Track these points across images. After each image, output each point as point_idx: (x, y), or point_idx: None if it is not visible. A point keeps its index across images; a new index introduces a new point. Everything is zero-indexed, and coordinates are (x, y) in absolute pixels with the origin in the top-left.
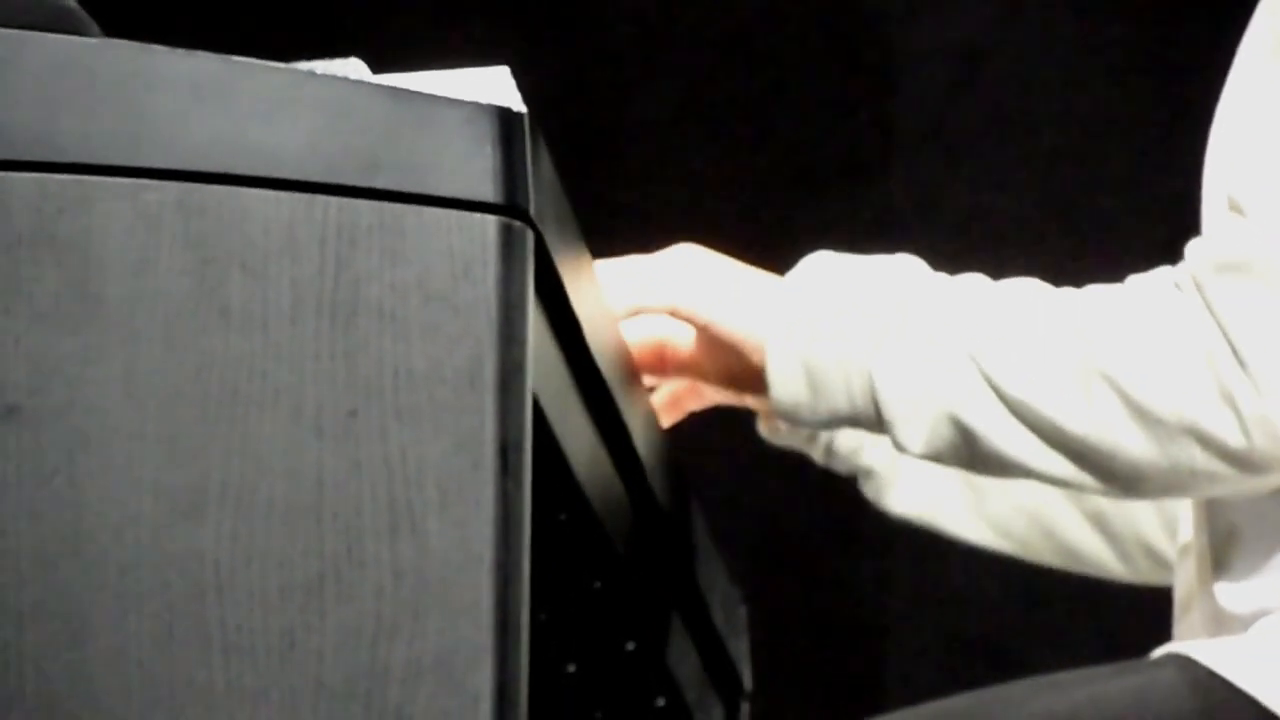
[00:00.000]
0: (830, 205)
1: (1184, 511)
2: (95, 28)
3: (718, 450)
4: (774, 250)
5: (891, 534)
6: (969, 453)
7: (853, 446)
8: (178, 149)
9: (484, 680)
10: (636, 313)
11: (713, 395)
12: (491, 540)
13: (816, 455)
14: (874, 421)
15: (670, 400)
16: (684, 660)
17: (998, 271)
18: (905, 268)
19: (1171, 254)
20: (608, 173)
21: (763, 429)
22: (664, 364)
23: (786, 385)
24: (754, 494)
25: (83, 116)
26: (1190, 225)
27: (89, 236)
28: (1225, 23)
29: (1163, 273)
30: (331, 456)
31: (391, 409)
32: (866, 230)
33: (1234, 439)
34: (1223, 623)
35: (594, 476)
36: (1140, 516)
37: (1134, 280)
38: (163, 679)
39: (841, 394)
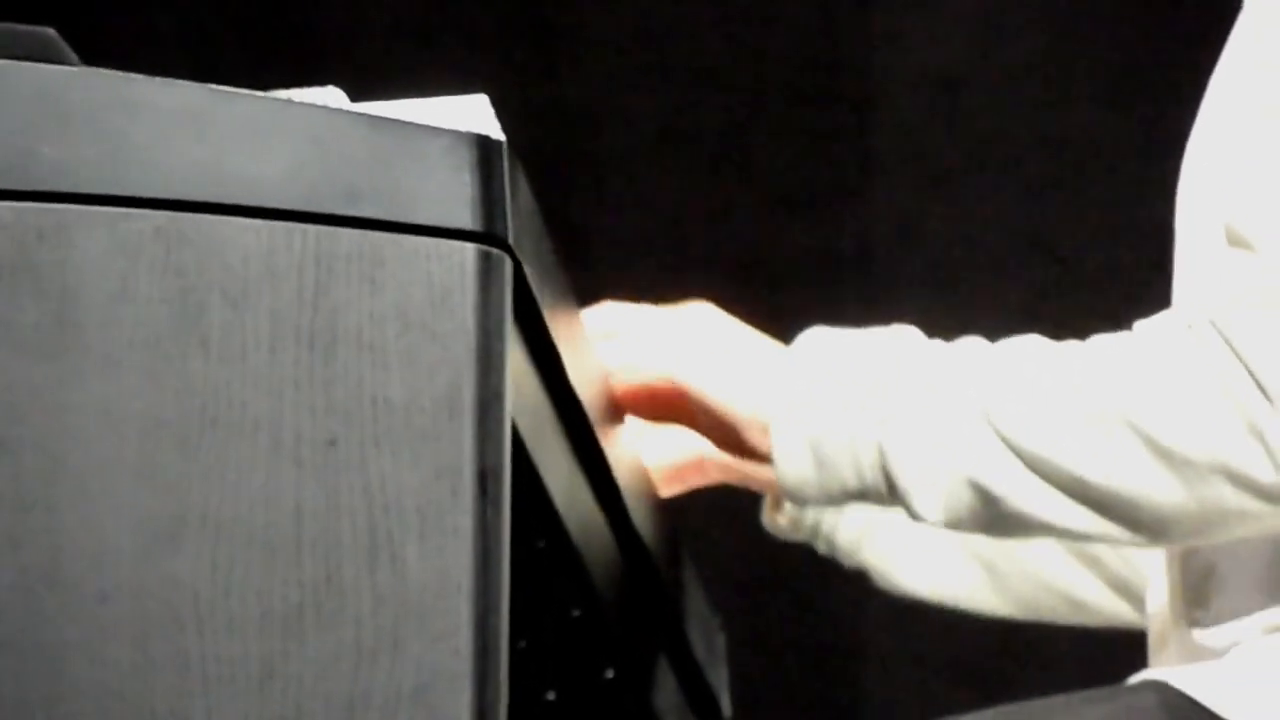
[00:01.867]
0: (809, 233)
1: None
2: (74, 56)
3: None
4: (753, 280)
5: None
6: (989, 515)
7: (853, 540)
8: (157, 178)
9: (463, 707)
10: (632, 374)
11: (716, 473)
12: (470, 568)
13: (819, 548)
14: (884, 494)
15: (672, 473)
16: (663, 688)
17: (978, 299)
18: (903, 338)
19: (1151, 281)
20: (586, 201)
21: (766, 521)
22: (656, 405)
23: (792, 463)
24: (731, 521)
25: (62, 145)
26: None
27: (68, 265)
28: (1204, 49)
29: (1169, 316)
30: (310, 485)
31: (370, 437)
32: (845, 259)
33: (1265, 474)
34: (1200, 657)
35: (572, 504)
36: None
37: (1141, 326)
38: (142, 709)
39: (849, 469)
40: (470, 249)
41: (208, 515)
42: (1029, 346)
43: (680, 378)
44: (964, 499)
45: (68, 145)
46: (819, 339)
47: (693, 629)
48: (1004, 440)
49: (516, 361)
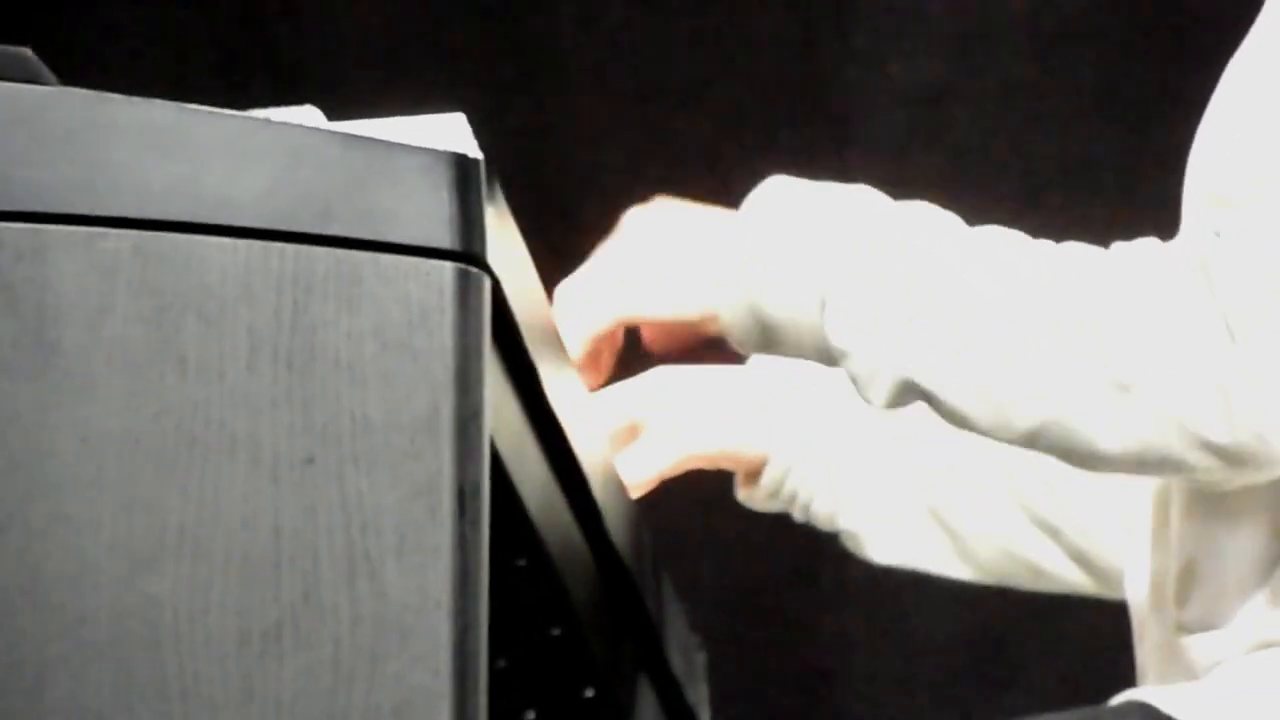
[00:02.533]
0: None
1: (1134, 536)
2: (51, 76)
3: (675, 495)
4: None
5: (849, 580)
6: (930, 408)
7: (829, 512)
8: (133, 197)
9: None
10: (581, 333)
11: (691, 461)
12: (449, 586)
13: (795, 515)
14: (834, 366)
15: (649, 483)
16: (643, 707)
17: None
18: (855, 202)
19: None
20: (565, 219)
21: (741, 495)
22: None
23: (744, 337)
24: (712, 540)
25: (38, 164)
26: None
27: (45, 285)
28: (1189, 66)
29: (1154, 242)
30: (289, 503)
31: (349, 456)
32: None
33: (1219, 434)
34: (1181, 664)
35: (551, 522)
36: (1121, 551)
37: (1120, 247)
38: None
39: (799, 346)
40: (448, 268)
41: (186, 534)
42: (999, 240)
43: (625, 315)
44: (905, 396)
45: (44, 165)
46: (766, 195)
47: (672, 647)
48: (950, 349)
49: (495, 380)
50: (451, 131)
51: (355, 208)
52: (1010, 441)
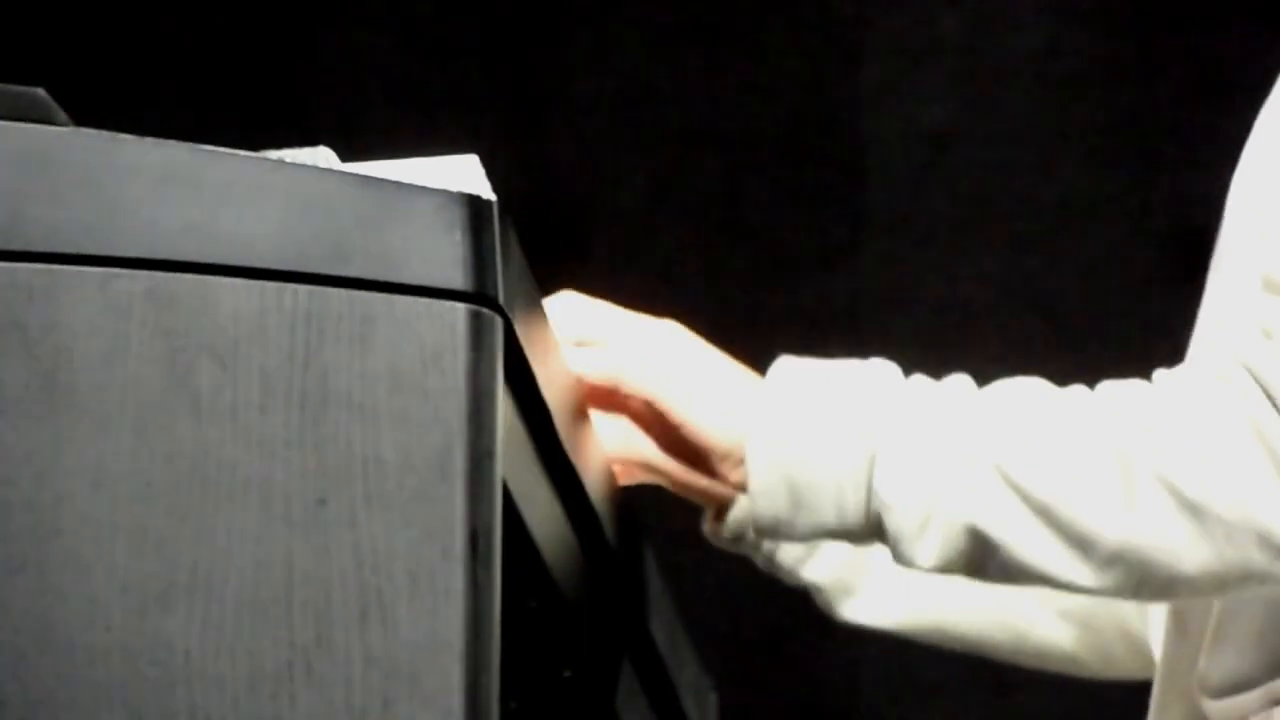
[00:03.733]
0: (800, 293)
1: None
2: (65, 117)
3: (687, 536)
4: (744, 339)
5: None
6: (984, 563)
7: (796, 559)
8: (147, 238)
9: None
10: (608, 386)
11: (651, 477)
12: (461, 628)
13: (758, 562)
14: (865, 535)
15: (619, 468)
16: None
17: (970, 357)
18: (884, 373)
19: (1144, 339)
20: (577, 261)
21: (707, 530)
22: (615, 403)
23: (768, 500)
24: (724, 582)
25: (51, 205)
26: (1164, 311)
27: (58, 326)
28: (1196, 108)
29: (1195, 367)
30: (301, 545)
31: (361, 497)
32: (837, 318)
33: None
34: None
35: (564, 564)
36: (1123, 608)
37: (1162, 375)
38: None
39: (830, 509)
40: (461, 309)
41: (198, 575)
42: (1030, 388)
43: (662, 400)
44: (959, 545)
45: (57, 205)
46: (794, 369)
47: (685, 690)
48: (1012, 486)
49: (507, 421)
50: (465, 173)
51: (368, 249)
52: (1081, 581)
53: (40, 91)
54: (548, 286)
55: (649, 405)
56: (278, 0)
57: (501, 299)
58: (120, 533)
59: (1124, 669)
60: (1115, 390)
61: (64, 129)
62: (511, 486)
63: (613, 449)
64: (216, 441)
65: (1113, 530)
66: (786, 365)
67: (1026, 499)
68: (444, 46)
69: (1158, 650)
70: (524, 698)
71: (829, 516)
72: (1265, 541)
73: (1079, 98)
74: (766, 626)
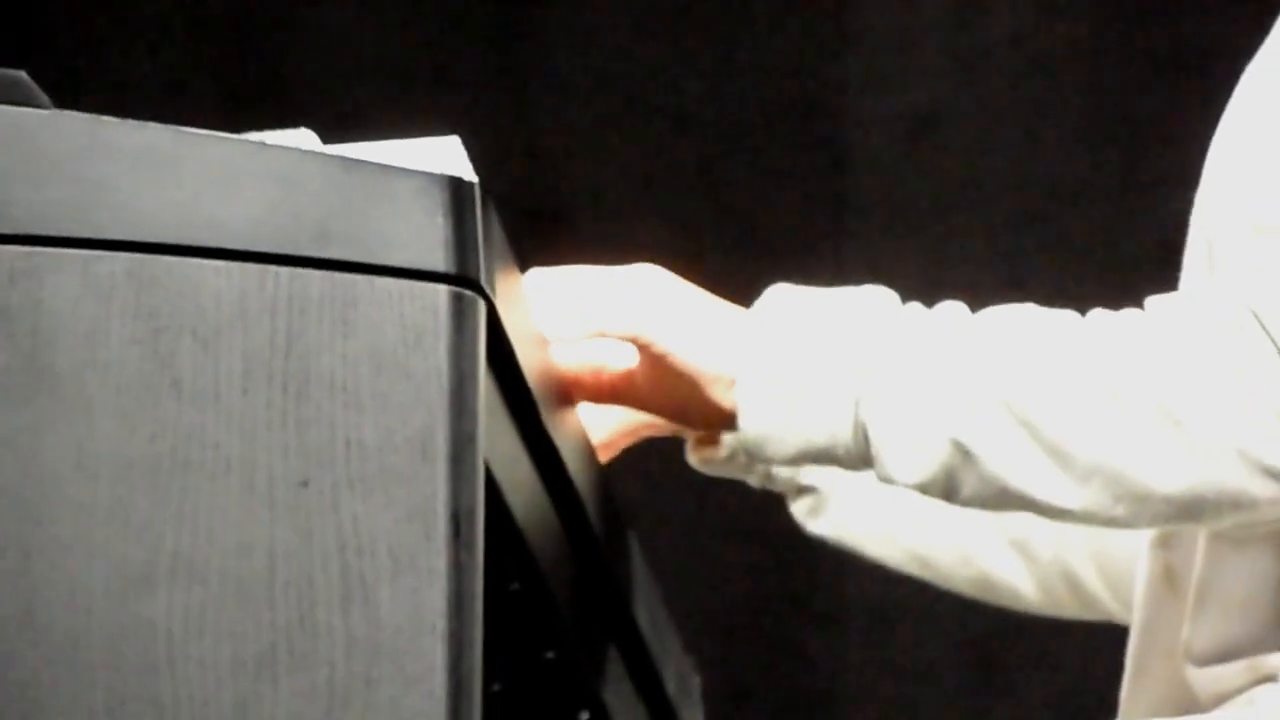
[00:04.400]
0: (783, 276)
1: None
2: (46, 99)
3: (671, 520)
4: None
5: (843, 604)
6: (964, 480)
7: (793, 471)
8: (129, 220)
9: None
10: (595, 336)
11: (646, 429)
12: (444, 610)
13: (753, 478)
14: (853, 452)
15: (605, 445)
16: None
17: None
18: (877, 294)
19: None
20: (559, 243)
21: (692, 458)
22: (600, 388)
23: (756, 415)
24: (707, 565)
25: (33, 187)
26: (1149, 292)
27: (40, 308)
28: (1183, 89)
29: (1189, 295)
30: (283, 527)
31: (344, 479)
32: None
33: (1278, 455)
34: (1183, 690)
35: (546, 545)
36: (1069, 543)
37: (1155, 302)
38: None
39: (819, 422)
40: (443, 290)
41: (180, 557)
42: (1022, 310)
43: (648, 335)
44: (941, 459)
45: (39, 187)
46: (789, 294)
47: (668, 672)
48: (999, 401)
49: (490, 403)
50: (447, 154)
51: (350, 231)
52: (1060, 499)
53: (21, 74)
54: (529, 268)
55: (638, 350)
56: None
57: (483, 281)
58: (102, 515)
59: (1066, 609)
60: (1107, 314)
61: (46, 111)
62: (494, 468)
63: (600, 431)
64: (198, 423)
65: (1092, 442)
66: (778, 289)
67: (1011, 412)
68: (426, 29)
69: (1134, 609)
70: (507, 679)
71: (817, 430)
72: (1243, 457)
73: (1064, 76)
74: (749, 607)
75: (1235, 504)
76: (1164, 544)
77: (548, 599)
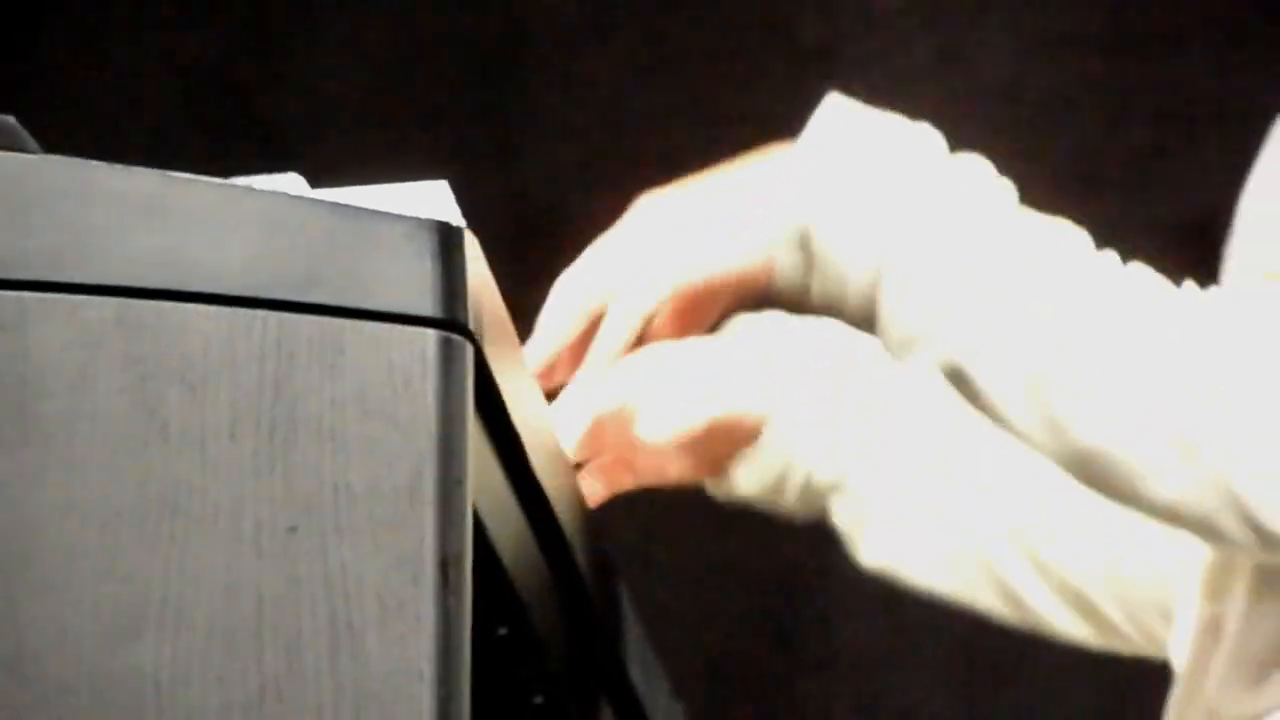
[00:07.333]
0: None
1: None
2: (34, 144)
3: (660, 564)
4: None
5: (832, 648)
6: (965, 396)
7: (831, 481)
8: (116, 265)
9: None
10: (643, 319)
11: (644, 473)
12: (432, 655)
13: (785, 498)
14: (864, 321)
15: (600, 482)
16: None
17: None
18: (932, 148)
19: None
20: (548, 286)
21: (717, 486)
22: (605, 441)
23: (792, 273)
24: (697, 609)
25: (20, 232)
26: None
27: (27, 354)
28: (1171, 139)
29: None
30: (271, 573)
31: (331, 525)
32: None
33: (1269, 517)
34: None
35: (535, 590)
36: (1082, 569)
37: (1226, 296)
38: None
39: (841, 291)
40: (431, 335)
41: (168, 604)
42: (1079, 257)
43: (685, 284)
44: (940, 370)
45: (25, 232)
46: (835, 117)
47: (657, 716)
48: (1008, 339)
49: (478, 447)
50: (435, 199)
51: (338, 275)
52: (1044, 453)
53: (10, 119)
54: (517, 312)
55: (673, 302)
56: (244, 25)
57: (472, 325)
58: (89, 562)
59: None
60: (1188, 303)
61: (33, 156)
62: (482, 513)
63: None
64: (186, 470)
65: (1092, 433)
66: (826, 109)
67: (1020, 360)
68: (411, 71)
69: (1178, 658)
70: None
71: (846, 294)
72: (1236, 504)
73: (1050, 125)
74: (738, 652)
75: (1208, 535)
76: (1213, 596)
77: (536, 644)
